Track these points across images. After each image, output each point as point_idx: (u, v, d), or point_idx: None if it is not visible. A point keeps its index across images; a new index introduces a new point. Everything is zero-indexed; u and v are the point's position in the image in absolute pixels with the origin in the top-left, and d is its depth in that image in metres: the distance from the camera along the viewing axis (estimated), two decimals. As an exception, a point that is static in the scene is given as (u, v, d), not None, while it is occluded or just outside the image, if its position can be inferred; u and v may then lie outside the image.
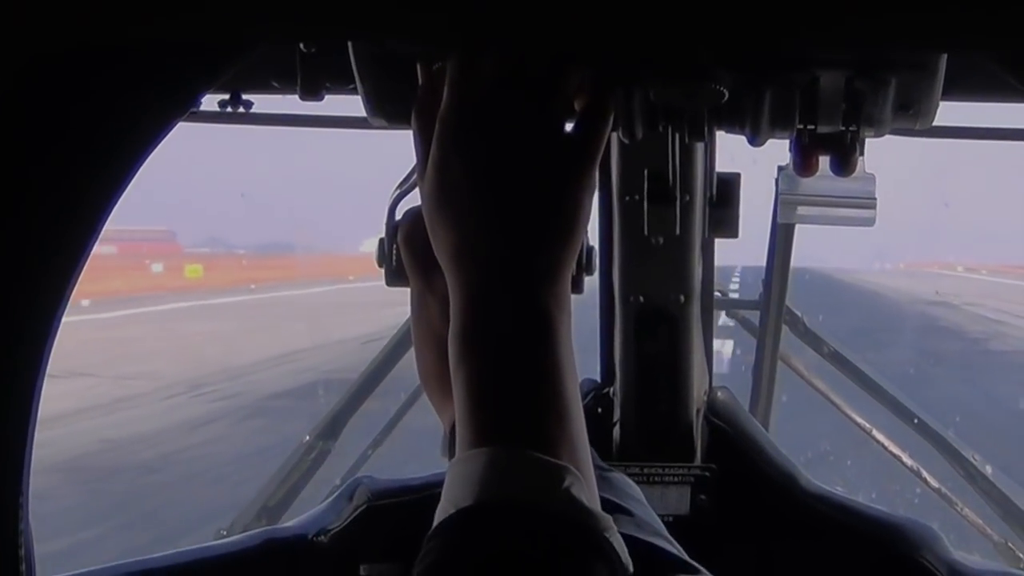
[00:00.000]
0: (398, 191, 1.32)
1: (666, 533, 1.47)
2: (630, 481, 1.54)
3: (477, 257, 1.10)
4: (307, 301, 35.01)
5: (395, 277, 1.33)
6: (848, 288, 45.91)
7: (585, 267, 1.27)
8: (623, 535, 1.39)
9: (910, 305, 38.26)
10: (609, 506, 1.43)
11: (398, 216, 1.36)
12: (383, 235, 1.34)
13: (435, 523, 1.00)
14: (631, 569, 1.03)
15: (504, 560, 0.96)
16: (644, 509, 1.49)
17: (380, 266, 1.34)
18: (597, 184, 1.16)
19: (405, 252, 1.29)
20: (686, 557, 1.42)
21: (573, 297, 1.16)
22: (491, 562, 0.96)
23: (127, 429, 14.17)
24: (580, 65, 1.15)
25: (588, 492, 1.02)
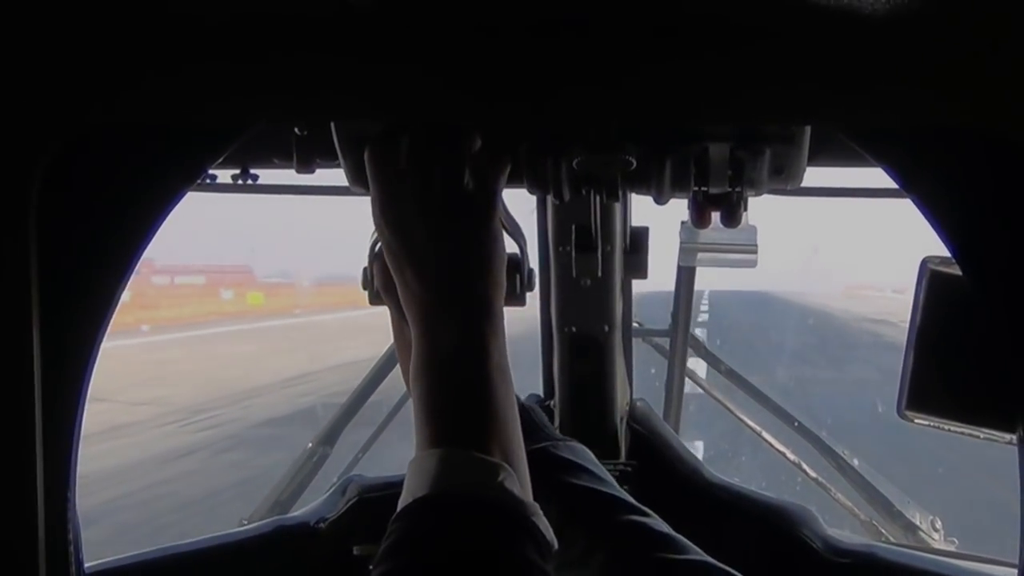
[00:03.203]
0: (376, 233, 1.32)
1: (618, 487, 1.50)
2: (586, 449, 1.57)
3: (421, 303, 1.12)
4: (337, 324, 33.22)
5: (375, 298, 1.33)
6: (803, 309, 45.04)
7: (527, 285, 1.28)
8: (587, 488, 1.43)
9: (856, 323, 37.51)
10: (573, 466, 1.47)
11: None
12: (366, 265, 1.34)
13: (397, 510, 1.02)
14: (556, 546, 1.04)
15: (450, 539, 0.98)
16: (600, 469, 1.52)
17: (364, 289, 1.35)
18: (501, 232, 1.17)
19: (379, 282, 1.30)
20: (638, 504, 1.45)
21: (527, 328, 1.17)
22: (439, 539, 0.98)
23: (104, 462, 11.32)
24: (475, 133, 1.16)
25: (519, 484, 1.04)
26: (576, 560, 1.34)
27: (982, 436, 1.25)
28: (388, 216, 1.14)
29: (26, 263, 0.91)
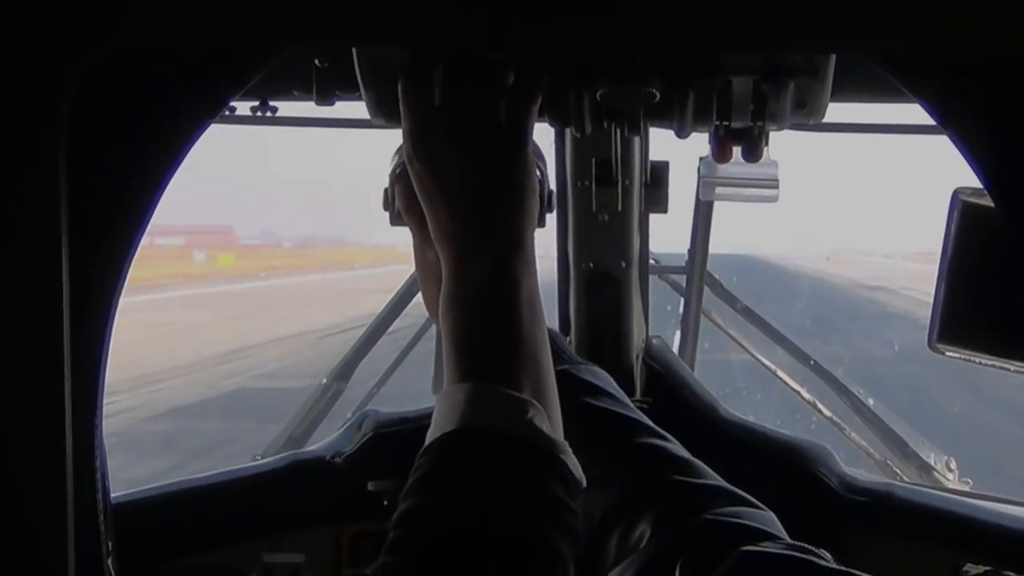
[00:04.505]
0: (397, 155, 1.31)
1: (637, 410, 1.54)
2: (606, 373, 1.60)
3: (452, 237, 1.12)
4: (304, 289, 31.74)
5: (396, 219, 1.33)
6: (795, 276, 43.72)
7: (547, 206, 1.27)
8: (607, 410, 1.46)
9: (854, 290, 36.15)
10: (594, 388, 1.52)
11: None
12: (387, 186, 1.33)
13: (425, 444, 1.03)
14: (584, 484, 1.05)
15: (477, 474, 0.99)
16: (619, 392, 1.56)
17: (385, 210, 1.34)
18: (534, 166, 1.18)
19: (402, 203, 1.29)
20: (657, 427, 1.50)
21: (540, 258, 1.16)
22: (466, 475, 1.00)
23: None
24: (507, 67, 1.16)
25: (549, 422, 1.04)
26: (595, 481, 1.36)
27: (1012, 369, 1.26)
28: (420, 149, 1.15)
29: (56, 193, 0.92)
